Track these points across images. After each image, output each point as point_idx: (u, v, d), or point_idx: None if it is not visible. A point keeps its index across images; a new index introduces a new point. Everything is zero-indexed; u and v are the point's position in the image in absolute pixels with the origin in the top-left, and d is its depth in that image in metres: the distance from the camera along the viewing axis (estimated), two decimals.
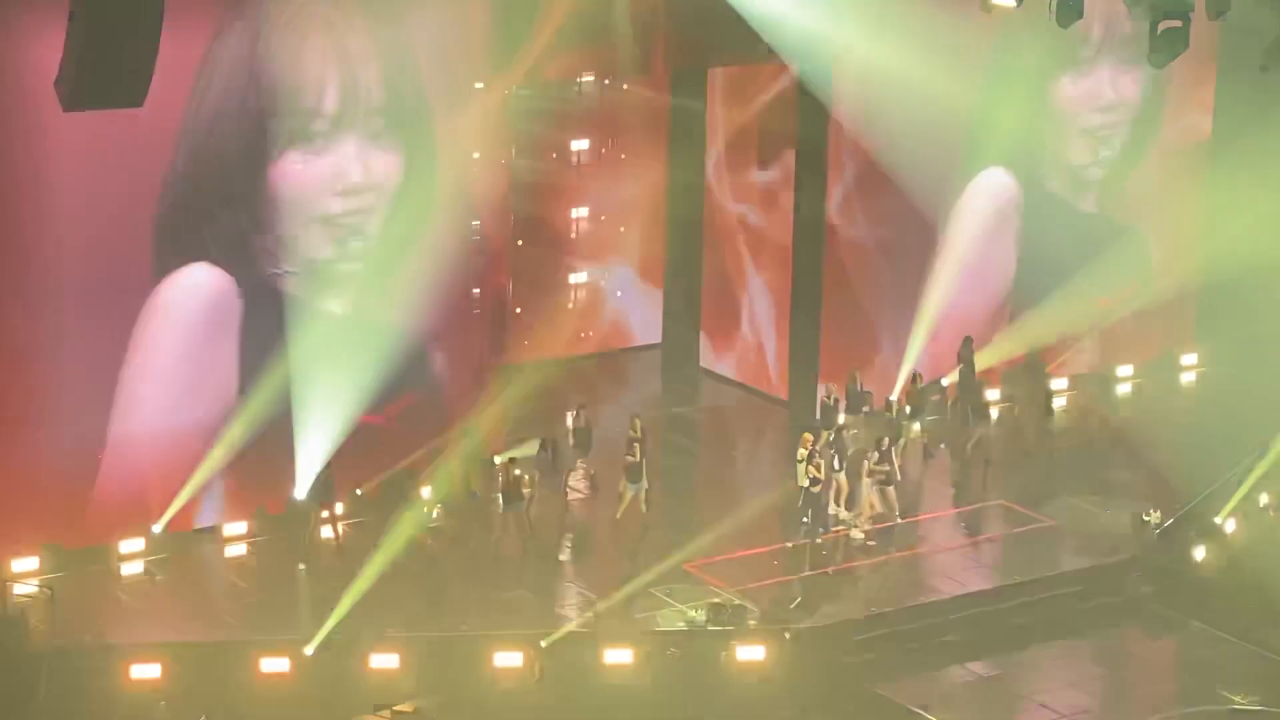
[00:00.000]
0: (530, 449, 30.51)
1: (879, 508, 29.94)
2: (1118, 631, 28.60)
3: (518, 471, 28.72)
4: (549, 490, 29.67)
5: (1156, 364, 36.90)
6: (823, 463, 29.57)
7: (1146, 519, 30.09)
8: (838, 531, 29.73)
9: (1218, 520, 30.15)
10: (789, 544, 29.43)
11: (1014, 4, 26.54)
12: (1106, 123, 35.84)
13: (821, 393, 32.58)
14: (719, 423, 34.23)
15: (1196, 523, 29.97)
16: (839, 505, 29.84)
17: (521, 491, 28.72)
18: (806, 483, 29.31)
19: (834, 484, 29.81)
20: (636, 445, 29.69)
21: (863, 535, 29.77)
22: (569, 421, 31.69)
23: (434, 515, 29.03)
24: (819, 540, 29.28)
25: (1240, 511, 30.45)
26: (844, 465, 29.87)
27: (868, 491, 29.92)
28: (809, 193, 33.59)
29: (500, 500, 28.88)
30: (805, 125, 33.35)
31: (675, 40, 31.72)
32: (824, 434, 31.08)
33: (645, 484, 29.81)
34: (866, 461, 29.96)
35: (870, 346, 34.19)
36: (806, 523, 29.40)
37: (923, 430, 32.72)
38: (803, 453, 29.52)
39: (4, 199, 27.06)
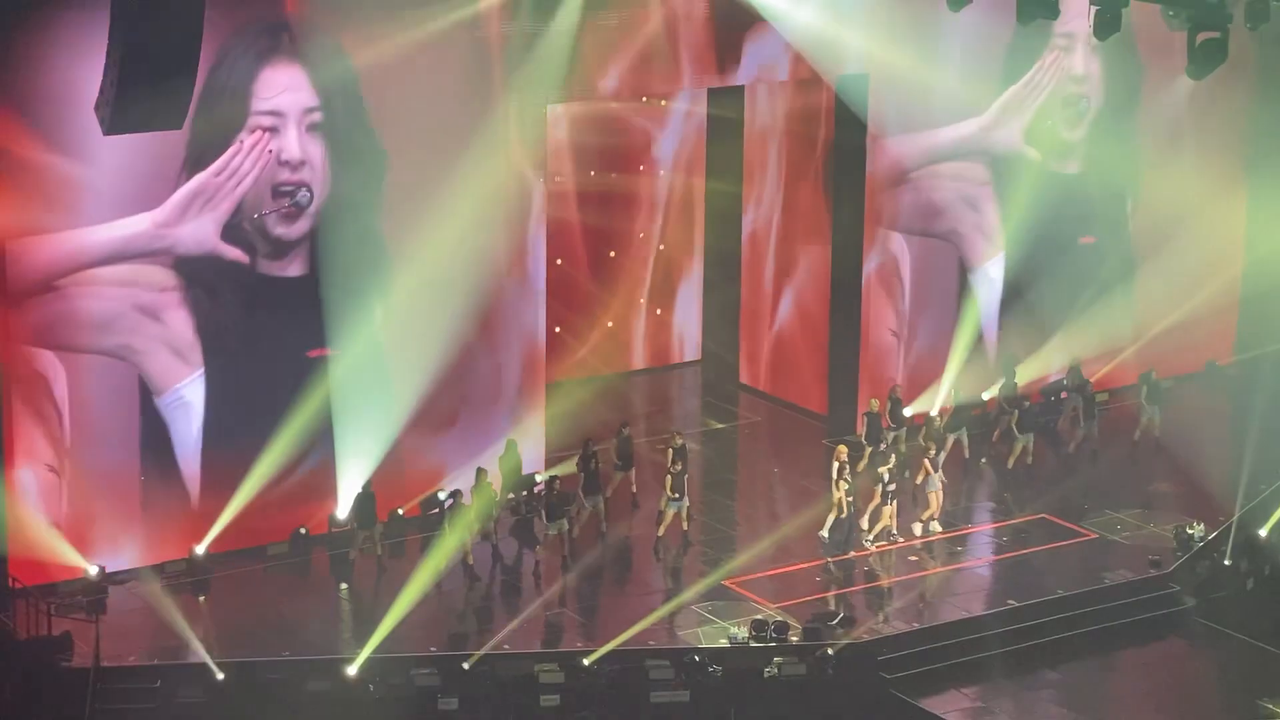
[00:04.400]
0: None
1: (885, 520, 29.97)
2: (1160, 645, 28.52)
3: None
4: (590, 507, 29.85)
5: (1198, 374, 36.79)
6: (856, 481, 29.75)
7: (1190, 532, 30.00)
8: (881, 547, 29.78)
9: (1261, 532, 30.06)
10: (830, 559, 29.42)
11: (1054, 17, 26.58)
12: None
13: (864, 408, 32.53)
14: (759, 438, 34.19)
15: (1239, 535, 29.87)
16: (873, 523, 29.91)
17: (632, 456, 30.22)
18: (841, 495, 29.33)
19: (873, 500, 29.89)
20: (677, 462, 29.73)
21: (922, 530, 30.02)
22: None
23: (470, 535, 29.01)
24: (847, 556, 29.32)
25: None
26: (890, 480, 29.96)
27: (886, 504, 29.96)
28: (847, 206, 33.57)
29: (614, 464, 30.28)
30: (842, 139, 33.36)
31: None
32: (866, 450, 31.05)
33: (686, 501, 29.85)
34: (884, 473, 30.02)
35: (910, 361, 34.13)
36: (825, 537, 29.49)
37: (965, 443, 32.70)
38: (837, 466, 29.56)
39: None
